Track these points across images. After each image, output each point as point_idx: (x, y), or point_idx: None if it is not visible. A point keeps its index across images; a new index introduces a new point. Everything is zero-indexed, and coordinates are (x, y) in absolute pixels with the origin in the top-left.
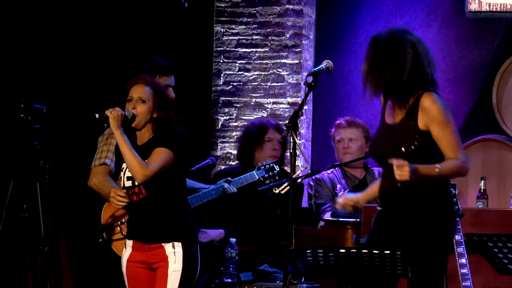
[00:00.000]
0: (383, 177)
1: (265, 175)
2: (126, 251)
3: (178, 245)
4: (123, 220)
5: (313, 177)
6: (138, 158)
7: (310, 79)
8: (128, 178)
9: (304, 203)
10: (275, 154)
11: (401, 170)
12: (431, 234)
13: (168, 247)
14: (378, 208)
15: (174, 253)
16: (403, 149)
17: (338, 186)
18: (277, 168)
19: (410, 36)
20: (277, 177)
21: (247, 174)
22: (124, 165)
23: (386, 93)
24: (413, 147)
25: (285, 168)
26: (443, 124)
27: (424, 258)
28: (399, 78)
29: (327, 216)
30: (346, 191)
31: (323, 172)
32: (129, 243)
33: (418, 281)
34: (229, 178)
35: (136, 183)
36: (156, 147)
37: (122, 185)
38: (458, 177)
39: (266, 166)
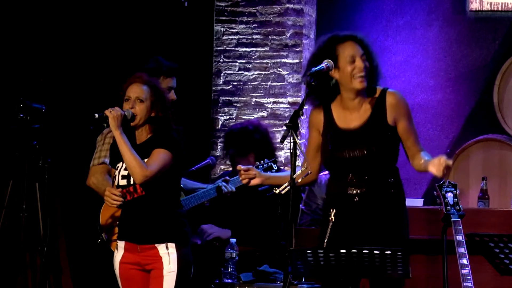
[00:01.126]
0: (340, 181)
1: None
2: (118, 252)
3: (172, 246)
4: (119, 220)
5: None
6: (138, 159)
7: (311, 79)
8: (123, 177)
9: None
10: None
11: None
12: (403, 228)
13: (161, 248)
14: (332, 210)
15: (168, 254)
16: (374, 148)
17: None
18: (275, 167)
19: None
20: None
21: None
22: (119, 164)
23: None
24: (385, 144)
25: (286, 168)
26: (411, 118)
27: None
28: (375, 73)
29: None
30: None
31: (322, 173)
32: (121, 244)
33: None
34: (227, 178)
35: (132, 183)
36: (155, 147)
37: (116, 183)
38: None
39: (264, 165)
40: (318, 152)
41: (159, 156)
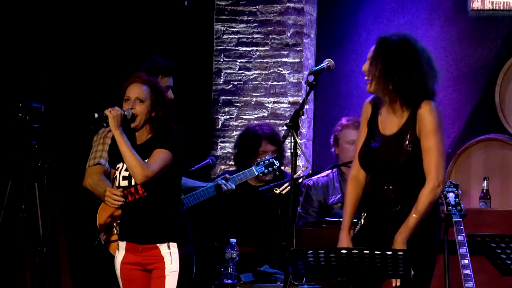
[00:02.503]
0: (373, 185)
1: (265, 171)
2: (119, 253)
3: (174, 246)
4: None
5: (305, 183)
6: (139, 159)
7: (311, 78)
8: (124, 178)
9: None
10: None
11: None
12: (422, 238)
13: (163, 247)
14: (364, 214)
15: (170, 253)
16: (401, 158)
17: (330, 190)
18: (276, 163)
19: (419, 43)
20: (277, 173)
21: (246, 170)
22: (119, 165)
23: (390, 97)
24: (410, 156)
25: (286, 168)
26: (431, 135)
27: (415, 262)
28: (410, 84)
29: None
30: (337, 197)
31: (318, 175)
32: (122, 244)
33: (406, 283)
34: (227, 175)
35: (133, 183)
36: (156, 147)
37: (117, 184)
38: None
39: (266, 161)
40: None
41: (160, 156)
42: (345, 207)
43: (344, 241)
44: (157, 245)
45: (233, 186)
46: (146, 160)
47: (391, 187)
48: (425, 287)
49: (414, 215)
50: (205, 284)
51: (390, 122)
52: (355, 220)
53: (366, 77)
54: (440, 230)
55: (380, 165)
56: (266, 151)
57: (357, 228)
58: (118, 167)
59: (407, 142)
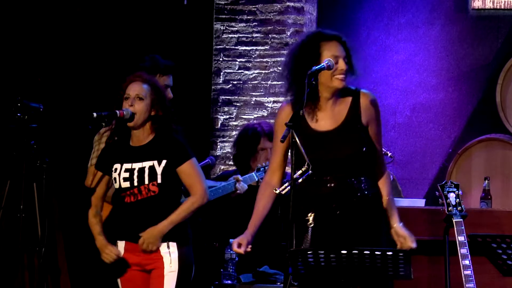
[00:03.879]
0: (316, 184)
1: None
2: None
3: (173, 245)
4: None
5: None
6: (189, 207)
7: (311, 78)
8: (125, 179)
9: None
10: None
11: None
12: (382, 231)
13: (163, 247)
14: (311, 214)
15: (169, 253)
16: (350, 151)
17: None
18: None
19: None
20: None
21: (247, 175)
22: (116, 166)
23: (339, 91)
24: (361, 146)
25: (286, 168)
26: (379, 122)
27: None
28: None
29: None
30: None
31: None
32: (121, 244)
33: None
34: (239, 176)
35: (136, 184)
36: (177, 164)
37: (117, 186)
38: None
39: (266, 167)
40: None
41: (192, 172)
42: (256, 211)
43: (247, 237)
44: None
45: (246, 186)
46: (189, 180)
47: (343, 180)
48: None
49: (390, 197)
50: (205, 285)
51: (328, 118)
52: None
53: (343, 75)
54: None
55: (327, 161)
56: (264, 148)
57: (309, 231)
58: (116, 169)
59: (353, 134)
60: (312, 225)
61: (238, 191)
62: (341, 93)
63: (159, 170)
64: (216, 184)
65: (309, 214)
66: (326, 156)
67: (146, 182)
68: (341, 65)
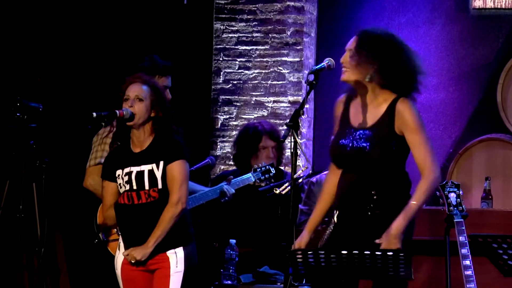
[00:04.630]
0: (344, 181)
1: (261, 177)
2: (121, 253)
3: (179, 249)
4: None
5: (309, 179)
6: (168, 219)
7: (312, 77)
8: (125, 183)
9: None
10: (270, 162)
11: (394, 241)
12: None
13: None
14: (336, 211)
15: (175, 253)
16: (374, 154)
17: None
18: (273, 170)
19: (404, 42)
20: (272, 180)
21: (244, 176)
22: (118, 172)
23: (365, 87)
24: (386, 152)
25: (286, 168)
26: (416, 130)
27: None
28: (387, 75)
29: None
30: None
31: (321, 174)
32: (123, 244)
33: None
34: (231, 177)
35: (135, 188)
36: (166, 160)
37: (123, 190)
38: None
39: (262, 168)
40: None
41: (176, 176)
42: (319, 201)
43: (304, 237)
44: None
45: (233, 191)
46: (170, 184)
47: (367, 188)
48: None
49: (414, 202)
50: (205, 285)
51: (364, 116)
52: (326, 219)
53: (343, 68)
54: (413, 227)
55: (353, 159)
56: (266, 146)
57: (331, 226)
58: (119, 175)
59: (384, 136)
60: (335, 222)
61: (227, 197)
62: (385, 94)
63: (158, 174)
64: (203, 189)
65: (335, 212)
66: (351, 152)
67: (147, 187)
68: (343, 57)
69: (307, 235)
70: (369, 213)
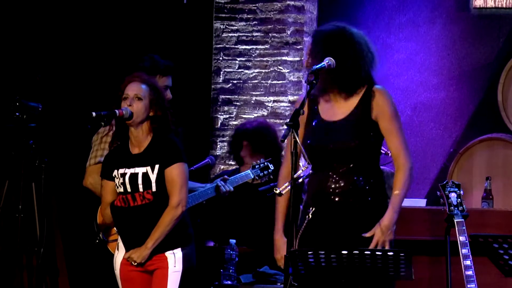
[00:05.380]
0: (318, 178)
1: (260, 174)
2: (119, 252)
3: (178, 249)
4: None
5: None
6: (168, 221)
7: (312, 77)
8: (120, 185)
9: None
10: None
11: (388, 236)
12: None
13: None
14: (312, 208)
15: (173, 253)
16: (353, 143)
17: None
18: (271, 167)
19: (355, 30)
20: (271, 176)
21: (243, 173)
22: (115, 173)
23: (331, 86)
24: (365, 140)
25: None
26: (392, 118)
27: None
28: (346, 70)
29: None
30: None
31: None
32: (122, 244)
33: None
34: (225, 176)
35: (129, 190)
36: (166, 165)
37: (118, 191)
38: None
39: (261, 165)
40: None
41: (175, 179)
42: (278, 207)
43: (281, 243)
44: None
45: (231, 188)
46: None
47: (347, 180)
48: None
49: (397, 192)
50: (205, 285)
51: (335, 110)
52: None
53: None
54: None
55: (331, 151)
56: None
57: (304, 224)
58: (115, 176)
59: (360, 125)
60: (309, 218)
61: (222, 192)
62: (350, 87)
63: (153, 177)
64: (202, 186)
65: (311, 208)
66: (328, 146)
67: (141, 189)
68: (305, 61)
69: (285, 241)
70: (351, 205)
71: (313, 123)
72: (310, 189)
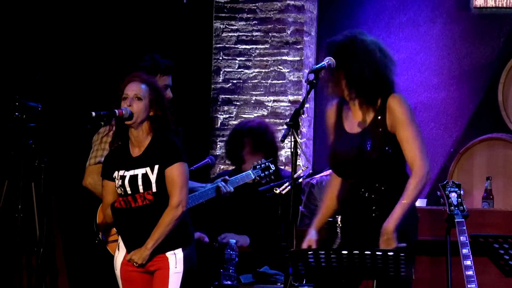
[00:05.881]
0: (345, 187)
1: (261, 174)
2: (120, 253)
3: (178, 249)
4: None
5: (308, 180)
6: (168, 222)
7: (312, 76)
8: (120, 186)
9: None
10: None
11: (390, 242)
12: (406, 235)
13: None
14: (338, 217)
15: (174, 254)
16: (373, 155)
17: None
18: (272, 167)
19: (369, 37)
20: (272, 177)
21: (243, 173)
22: (115, 174)
23: (349, 95)
24: (383, 152)
25: (286, 167)
26: (406, 125)
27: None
28: (362, 78)
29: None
30: None
31: (322, 174)
32: (123, 244)
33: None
34: (226, 177)
35: (129, 192)
36: (165, 165)
37: (119, 192)
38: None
39: (262, 165)
40: None
41: (175, 179)
42: (325, 202)
43: (313, 235)
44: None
45: (232, 189)
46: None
47: (366, 192)
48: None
49: (404, 201)
50: (205, 285)
51: (356, 121)
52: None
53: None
54: (417, 226)
55: (352, 163)
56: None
57: (338, 232)
58: (115, 177)
59: (378, 137)
60: (340, 226)
61: (223, 193)
62: (368, 95)
63: (153, 178)
64: (202, 185)
65: (337, 217)
66: (350, 158)
67: (141, 190)
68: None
69: (316, 234)
70: (372, 216)
71: (337, 134)
72: (338, 199)
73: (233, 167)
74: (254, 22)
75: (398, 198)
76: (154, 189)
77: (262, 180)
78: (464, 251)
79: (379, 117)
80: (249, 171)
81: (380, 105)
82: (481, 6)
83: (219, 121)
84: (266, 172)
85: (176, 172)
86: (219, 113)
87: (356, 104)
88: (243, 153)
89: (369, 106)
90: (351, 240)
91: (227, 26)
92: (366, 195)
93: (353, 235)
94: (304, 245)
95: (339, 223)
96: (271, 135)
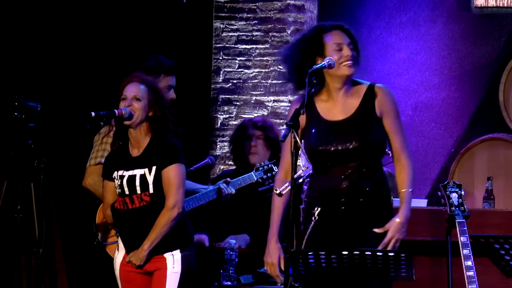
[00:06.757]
0: (324, 176)
1: (264, 176)
2: (119, 253)
3: (176, 251)
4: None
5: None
6: (164, 223)
7: (312, 76)
8: (119, 187)
9: None
10: (254, 151)
11: (402, 233)
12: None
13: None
14: (317, 208)
15: (172, 255)
16: (358, 142)
17: None
18: (275, 169)
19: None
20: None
21: (246, 175)
22: (114, 174)
23: (350, 80)
24: (372, 137)
25: None
26: (396, 116)
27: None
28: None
29: None
30: None
31: None
32: (122, 245)
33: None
34: (228, 179)
35: (127, 193)
36: (162, 166)
37: (118, 192)
38: None
39: (265, 167)
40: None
41: (172, 180)
42: (275, 210)
43: (274, 249)
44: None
45: (233, 191)
46: (166, 188)
47: (356, 179)
48: None
49: (410, 190)
50: (204, 285)
51: (336, 109)
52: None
53: (350, 62)
54: None
55: (336, 152)
56: (253, 134)
57: (311, 226)
58: (114, 177)
59: (365, 123)
60: (316, 219)
61: (224, 195)
62: (354, 86)
63: (150, 179)
64: (204, 187)
65: (316, 208)
66: (335, 147)
67: (138, 191)
68: (346, 51)
69: (279, 247)
70: (360, 204)
71: (314, 124)
72: (314, 190)
73: (234, 168)
74: (254, 22)
75: (382, 184)
76: (151, 190)
77: (264, 181)
78: (465, 251)
79: (366, 105)
80: (251, 172)
81: (366, 93)
82: (482, 5)
83: (219, 121)
84: (268, 174)
85: (173, 173)
86: (219, 113)
87: (341, 89)
88: (252, 143)
89: (353, 94)
90: (328, 232)
91: (227, 26)
92: (355, 181)
93: (331, 226)
94: (275, 260)
95: (316, 216)
96: (278, 133)
